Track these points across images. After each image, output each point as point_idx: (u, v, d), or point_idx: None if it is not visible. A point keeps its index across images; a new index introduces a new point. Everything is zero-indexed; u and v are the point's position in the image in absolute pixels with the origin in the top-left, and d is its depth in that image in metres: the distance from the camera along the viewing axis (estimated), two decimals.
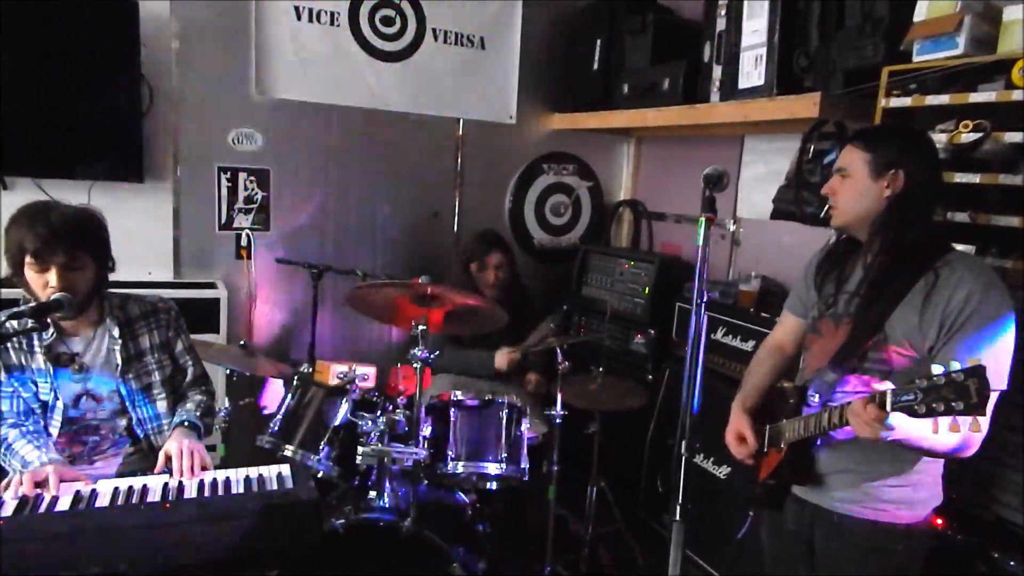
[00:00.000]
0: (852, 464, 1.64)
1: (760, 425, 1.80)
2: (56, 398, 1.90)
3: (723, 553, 2.71)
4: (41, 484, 1.68)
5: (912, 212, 1.57)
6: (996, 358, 1.44)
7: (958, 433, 1.27)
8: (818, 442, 1.67)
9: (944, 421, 1.25)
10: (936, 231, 1.63)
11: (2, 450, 1.82)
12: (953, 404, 1.22)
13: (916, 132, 1.75)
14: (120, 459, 2.04)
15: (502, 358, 2.95)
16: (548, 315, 3.30)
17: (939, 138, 2.05)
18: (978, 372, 1.20)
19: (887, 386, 1.34)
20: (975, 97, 1.98)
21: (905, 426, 1.36)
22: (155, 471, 1.83)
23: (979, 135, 1.98)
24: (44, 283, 1.77)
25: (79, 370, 1.92)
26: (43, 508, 1.61)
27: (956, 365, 1.24)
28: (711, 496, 2.74)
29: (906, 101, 2.13)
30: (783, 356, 1.94)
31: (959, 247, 1.70)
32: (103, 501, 1.65)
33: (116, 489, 1.69)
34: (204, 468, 1.84)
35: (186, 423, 1.96)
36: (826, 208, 1.73)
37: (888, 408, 1.32)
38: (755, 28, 2.66)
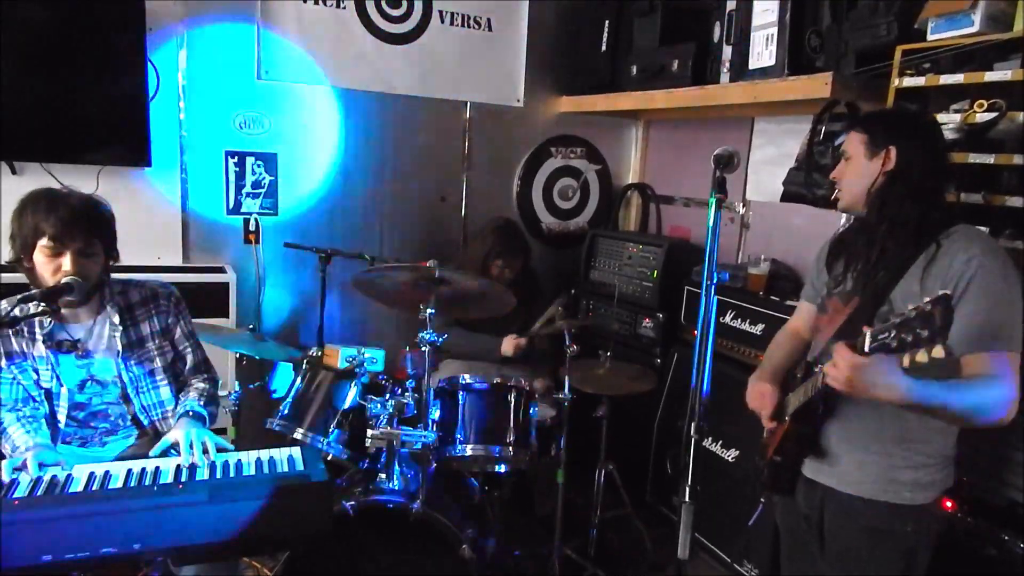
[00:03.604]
0: (862, 445, 1.63)
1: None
2: (60, 384, 1.91)
3: (730, 534, 2.72)
4: (20, 469, 1.68)
5: (908, 188, 1.57)
6: (1007, 319, 1.44)
7: (972, 390, 1.24)
8: (820, 410, 1.67)
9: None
10: (939, 210, 1.61)
11: None
12: (919, 332, 1.22)
13: (912, 112, 1.78)
14: (130, 443, 2.04)
15: (509, 344, 2.95)
16: (556, 299, 3.29)
17: (953, 118, 2.02)
18: (943, 300, 1.21)
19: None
20: (990, 76, 1.95)
21: (909, 385, 1.36)
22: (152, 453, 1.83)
23: (994, 115, 1.96)
24: (55, 268, 1.77)
25: (81, 356, 1.92)
26: (57, 489, 1.62)
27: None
28: (719, 479, 2.75)
29: (920, 81, 2.09)
30: (800, 340, 1.95)
31: None
32: (116, 482, 1.67)
33: (129, 470, 1.71)
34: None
35: (191, 412, 1.95)
36: (834, 193, 1.75)
37: (866, 349, 1.32)
38: (766, 8, 2.63)
